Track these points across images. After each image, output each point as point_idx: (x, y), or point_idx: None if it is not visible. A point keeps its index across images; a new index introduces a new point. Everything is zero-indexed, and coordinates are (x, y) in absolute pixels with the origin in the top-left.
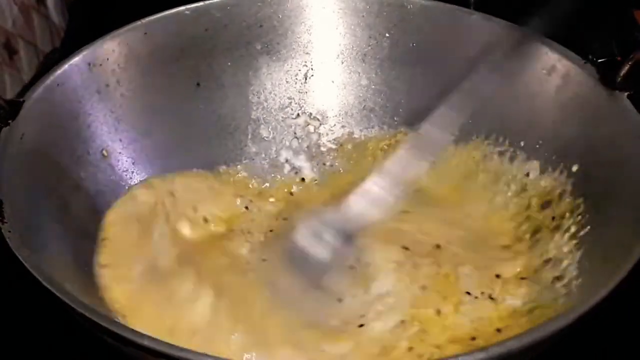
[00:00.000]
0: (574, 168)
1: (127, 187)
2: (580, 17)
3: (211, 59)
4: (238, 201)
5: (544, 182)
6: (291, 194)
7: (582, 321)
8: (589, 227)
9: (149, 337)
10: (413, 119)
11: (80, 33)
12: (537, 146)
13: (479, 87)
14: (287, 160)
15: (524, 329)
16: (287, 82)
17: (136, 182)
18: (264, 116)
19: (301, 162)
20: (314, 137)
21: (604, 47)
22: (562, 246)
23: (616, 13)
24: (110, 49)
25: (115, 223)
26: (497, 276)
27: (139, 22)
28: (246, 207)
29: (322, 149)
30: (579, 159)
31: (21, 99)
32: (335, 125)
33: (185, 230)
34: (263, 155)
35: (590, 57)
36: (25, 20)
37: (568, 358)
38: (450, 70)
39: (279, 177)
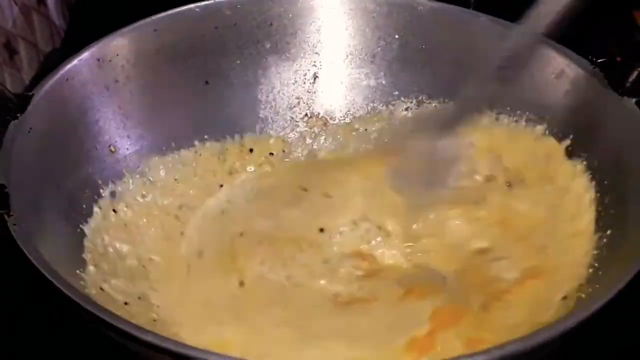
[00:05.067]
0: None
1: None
2: (579, 16)
3: (220, 57)
4: None
5: None
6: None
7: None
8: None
9: (153, 333)
10: (422, 120)
11: (80, 33)
12: None
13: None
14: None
15: None
16: (295, 81)
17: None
18: (272, 115)
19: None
20: (322, 137)
21: (603, 48)
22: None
23: (616, 13)
24: (119, 45)
25: None
26: None
27: (148, 19)
28: None
29: (330, 149)
30: (587, 162)
31: (30, 93)
32: (343, 125)
33: None
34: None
35: (590, 57)
36: (26, 21)
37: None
38: (459, 72)
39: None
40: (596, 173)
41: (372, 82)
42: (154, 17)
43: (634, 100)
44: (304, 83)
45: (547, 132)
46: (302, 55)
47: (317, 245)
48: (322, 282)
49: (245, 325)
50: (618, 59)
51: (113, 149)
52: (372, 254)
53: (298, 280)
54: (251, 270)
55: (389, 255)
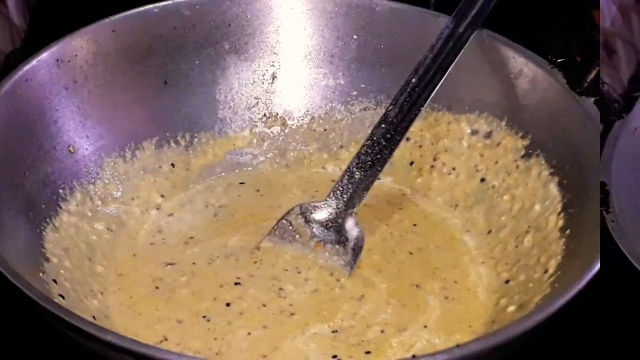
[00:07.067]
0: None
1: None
2: (540, 16)
3: (179, 57)
4: None
5: None
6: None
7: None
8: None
9: (113, 333)
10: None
11: (40, 34)
12: None
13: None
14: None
15: None
16: (254, 81)
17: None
18: (231, 116)
19: (267, 162)
20: (281, 137)
21: (563, 47)
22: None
23: (576, 13)
24: (78, 46)
25: None
26: None
27: (107, 20)
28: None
29: (289, 149)
30: (546, 162)
31: None
32: (301, 125)
33: None
34: (229, 155)
35: (549, 57)
36: None
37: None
38: None
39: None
40: (555, 172)
41: (331, 82)
42: (112, 18)
43: (592, 99)
44: (263, 83)
45: (505, 132)
46: (260, 55)
47: None
48: None
49: None
50: (578, 58)
51: (72, 149)
52: None
53: None
54: None
55: None
